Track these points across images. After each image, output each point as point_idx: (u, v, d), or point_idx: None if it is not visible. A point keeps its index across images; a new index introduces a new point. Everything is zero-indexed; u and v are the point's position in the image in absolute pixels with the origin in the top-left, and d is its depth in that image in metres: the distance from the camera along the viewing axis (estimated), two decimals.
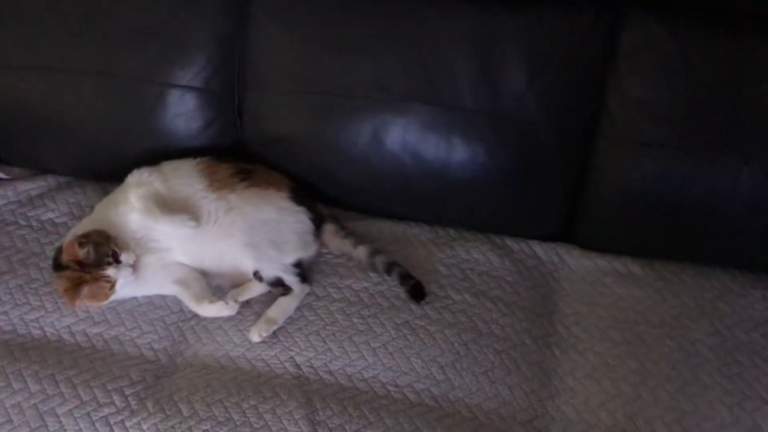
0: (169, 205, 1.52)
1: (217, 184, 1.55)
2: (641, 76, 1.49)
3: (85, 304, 1.47)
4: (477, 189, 1.60)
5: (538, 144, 1.55)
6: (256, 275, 1.52)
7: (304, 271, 1.54)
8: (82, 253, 1.42)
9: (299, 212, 1.57)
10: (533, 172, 1.58)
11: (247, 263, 1.52)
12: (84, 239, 1.44)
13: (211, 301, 1.48)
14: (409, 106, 1.55)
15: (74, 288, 1.43)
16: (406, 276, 1.54)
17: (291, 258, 1.53)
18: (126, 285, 1.47)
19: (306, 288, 1.52)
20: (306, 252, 1.56)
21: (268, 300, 1.53)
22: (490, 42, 1.51)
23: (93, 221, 1.53)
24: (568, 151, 1.56)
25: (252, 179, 1.58)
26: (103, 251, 1.43)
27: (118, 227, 1.50)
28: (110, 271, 1.43)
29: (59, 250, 1.48)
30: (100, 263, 1.43)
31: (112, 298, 1.48)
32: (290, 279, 1.51)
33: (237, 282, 1.55)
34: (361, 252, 1.57)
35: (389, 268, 1.55)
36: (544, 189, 1.60)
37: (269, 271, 1.51)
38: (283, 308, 1.49)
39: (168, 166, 1.59)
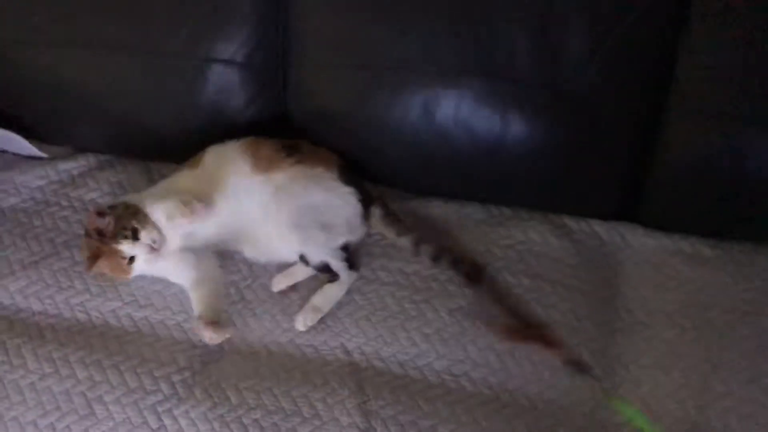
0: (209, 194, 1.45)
1: (262, 163, 1.49)
2: (714, 43, 1.38)
3: (105, 275, 1.43)
4: (534, 165, 1.52)
5: (600, 117, 1.46)
6: (302, 259, 1.47)
7: (351, 256, 1.47)
8: (100, 222, 1.39)
9: (348, 193, 1.50)
10: (594, 146, 1.49)
11: (292, 246, 1.46)
12: (109, 209, 1.40)
13: (200, 322, 1.39)
14: (461, 79, 1.47)
15: (92, 257, 1.40)
16: (457, 261, 1.46)
17: (338, 242, 1.47)
18: (153, 263, 1.42)
19: (353, 275, 1.46)
20: (353, 235, 1.50)
21: (315, 285, 1.47)
22: (548, 8, 1.41)
23: (131, 200, 1.47)
24: (632, 124, 1.47)
25: (299, 155, 1.51)
26: (122, 225, 1.39)
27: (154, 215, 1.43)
28: (124, 247, 1.38)
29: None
30: (115, 236, 1.38)
31: (138, 273, 1.43)
32: (337, 264, 1.45)
33: (281, 263, 1.49)
34: (404, 242, 1.50)
35: (436, 257, 1.47)
36: (605, 164, 1.51)
37: (316, 256, 1.45)
38: (329, 296, 1.44)
39: (211, 156, 1.52)
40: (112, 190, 1.65)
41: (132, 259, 1.40)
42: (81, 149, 1.73)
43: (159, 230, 1.41)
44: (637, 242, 1.52)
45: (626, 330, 1.41)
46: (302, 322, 1.41)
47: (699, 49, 1.38)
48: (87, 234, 1.42)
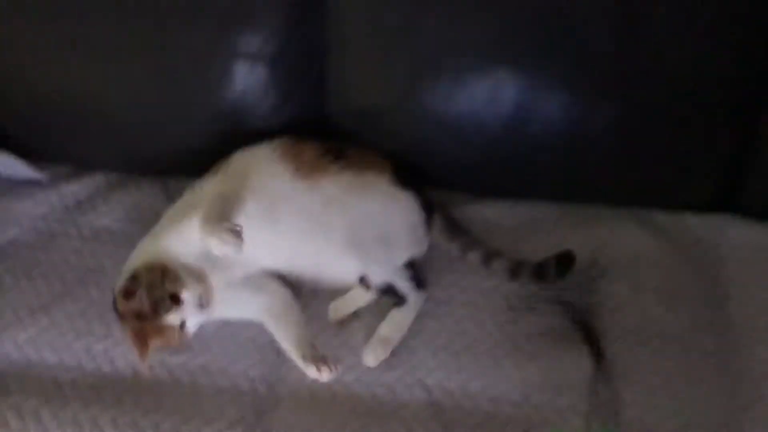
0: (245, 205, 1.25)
1: (305, 169, 1.30)
2: None
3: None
4: (617, 155, 1.37)
5: (695, 99, 1.30)
6: (362, 282, 1.27)
7: (418, 273, 1.29)
8: (133, 305, 1.19)
9: (407, 200, 1.32)
10: (687, 130, 1.33)
11: (350, 267, 1.27)
12: (133, 286, 1.20)
13: (306, 361, 1.21)
14: (530, 63, 1.31)
15: (141, 340, 1.20)
16: (540, 268, 1.28)
17: (402, 257, 1.28)
18: (208, 314, 1.23)
19: (422, 296, 1.28)
20: (419, 248, 1.31)
21: (378, 311, 1.28)
22: None
23: (151, 244, 1.27)
24: (731, 105, 1.31)
25: (346, 160, 1.32)
26: (158, 295, 1.19)
27: (183, 248, 1.24)
28: (171, 318, 1.19)
29: (114, 297, 1.24)
30: (156, 311, 1.19)
31: (195, 330, 1.23)
32: (403, 285, 1.26)
33: (335, 288, 1.30)
34: (472, 259, 1.32)
35: (514, 272, 1.29)
36: (702, 148, 1.35)
37: (378, 276, 1.26)
38: (397, 323, 1.25)
39: (240, 161, 1.33)
40: (126, 214, 1.46)
41: (183, 322, 1.21)
42: (84, 168, 1.53)
43: (199, 279, 1.22)
44: (738, 236, 1.36)
45: (745, 337, 1.24)
46: (372, 356, 1.23)
47: None
48: (122, 317, 1.22)
